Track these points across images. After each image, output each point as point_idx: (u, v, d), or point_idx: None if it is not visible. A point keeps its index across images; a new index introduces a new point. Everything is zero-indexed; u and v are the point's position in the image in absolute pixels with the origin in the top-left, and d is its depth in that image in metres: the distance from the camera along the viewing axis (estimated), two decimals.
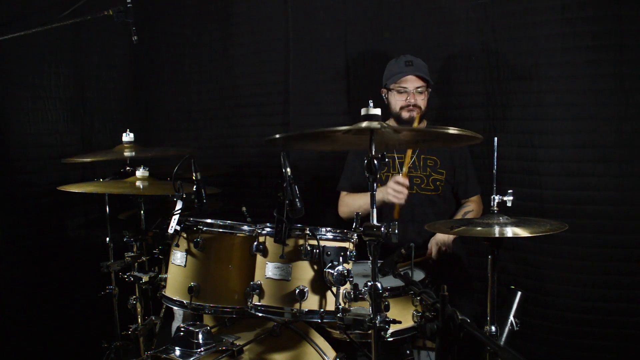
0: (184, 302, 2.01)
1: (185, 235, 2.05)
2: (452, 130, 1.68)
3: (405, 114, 2.69)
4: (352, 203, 2.78)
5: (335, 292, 1.77)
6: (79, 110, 3.40)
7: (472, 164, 2.80)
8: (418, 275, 2.23)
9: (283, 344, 2.09)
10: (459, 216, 2.70)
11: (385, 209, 2.63)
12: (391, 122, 2.76)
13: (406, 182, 2.49)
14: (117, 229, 2.71)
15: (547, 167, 2.72)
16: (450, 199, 2.80)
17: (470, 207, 2.72)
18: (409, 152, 2.61)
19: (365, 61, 3.19)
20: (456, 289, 1.98)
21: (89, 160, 2.89)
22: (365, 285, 1.68)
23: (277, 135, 1.76)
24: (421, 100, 2.69)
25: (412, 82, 2.67)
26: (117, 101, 3.66)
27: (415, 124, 2.64)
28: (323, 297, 1.81)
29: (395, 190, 2.47)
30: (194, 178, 2.10)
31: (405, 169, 2.58)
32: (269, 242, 1.86)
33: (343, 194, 2.86)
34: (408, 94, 2.67)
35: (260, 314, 1.86)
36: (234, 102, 3.62)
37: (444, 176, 2.73)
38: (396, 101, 2.71)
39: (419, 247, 2.54)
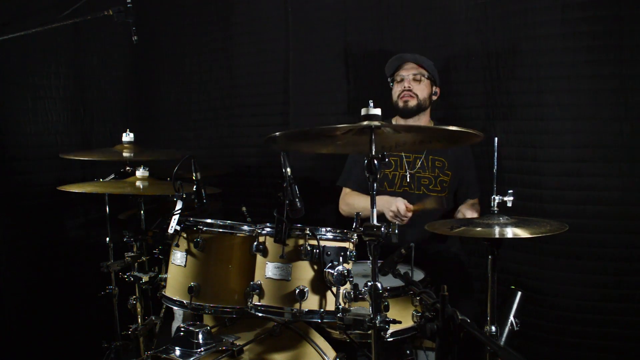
0: (184, 302, 2.01)
1: (185, 235, 2.05)
2: (453, 127, 1.68)
3: (401, 103, 2.69)
4: (353, 203, 2.75)
5: (335, 292, 1.77)
6: (79, 110, 3.40)
7: (475, 167, 2.80)
8: (418, 275, 2.23)
9: (283, 344, 2.09)
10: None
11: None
12: (396, 120, 2.78)
13: (409, 214, 2.43)
14: (117, 229, 2.71)
15: (547, 167, 2.72)
16: (453, 201, 2.78)
17: (467, 214, 2.66)
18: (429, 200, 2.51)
19: (365, 61, 3.19)
20: (456, 289, 1.98)
21: (87, 158, 2.88)
22: (365, 285, 1.68)
23: (277, 134, 1.76)
24: (417, 87, 2.67)
25: (408, 70, 2.68)
26: (117, 101, 3.67)
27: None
28: (323, 297, 1.81)
29: (395, 215, 2.42)
30: (194, 178, 2.10)
31: (416, 207, 2.44)
32: (269, 242, 1.87)
33: (345, 190, 2.84)
34: (404, 81, 2.68)
35: (260, 314, 1.86)
36: (234, 102, 3.62)
37: (449, 177, 2.73)
38: (395, 92, 2.72)
39: (421, 248, 2.52)
